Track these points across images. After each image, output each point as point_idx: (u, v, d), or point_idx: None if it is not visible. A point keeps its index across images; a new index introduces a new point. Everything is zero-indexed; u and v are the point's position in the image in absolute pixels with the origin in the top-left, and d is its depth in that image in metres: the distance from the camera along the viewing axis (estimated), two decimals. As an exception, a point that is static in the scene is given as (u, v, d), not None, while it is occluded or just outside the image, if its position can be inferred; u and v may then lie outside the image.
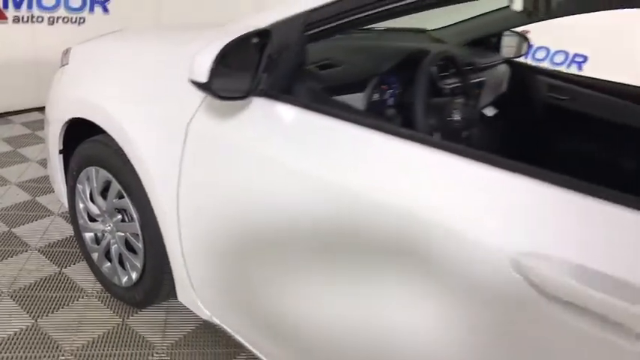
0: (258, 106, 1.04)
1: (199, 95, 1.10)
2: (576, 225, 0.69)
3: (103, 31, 1.75)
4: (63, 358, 1.39)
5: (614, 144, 1.77)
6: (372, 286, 0.89)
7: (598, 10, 1.68)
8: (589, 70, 4.32)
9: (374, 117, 1.07)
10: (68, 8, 2.99)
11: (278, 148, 1.00)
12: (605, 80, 1.97)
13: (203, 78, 0.89)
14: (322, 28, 1.01)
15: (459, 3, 1.04)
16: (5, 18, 2.78)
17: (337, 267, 0.95)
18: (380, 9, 0.96)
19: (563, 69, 4.43)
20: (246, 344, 1.25)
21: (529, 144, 1.86)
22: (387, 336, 0.88)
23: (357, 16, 0.98)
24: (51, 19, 2.96)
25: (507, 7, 1.99)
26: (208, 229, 1.20)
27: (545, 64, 4.50)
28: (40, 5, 2.88)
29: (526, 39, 2.22)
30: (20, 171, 2.40)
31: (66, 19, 3.01)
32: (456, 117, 1.28)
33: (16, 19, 2.83)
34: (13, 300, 1.57)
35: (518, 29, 2.19)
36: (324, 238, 0.95)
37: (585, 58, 4.34)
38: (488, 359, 0.76)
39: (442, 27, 2.14)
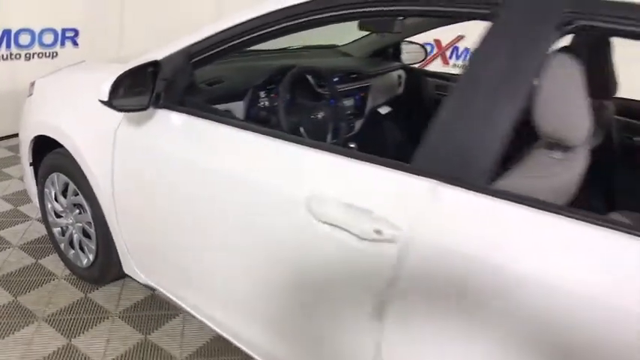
0: (161, 115, 1.45)
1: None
2: (336, 177, 1.09)
3: (73, 62, 2.15)
4: (36, 322, 1.78)
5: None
6: (244, 238, 1.29)
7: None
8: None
9: (237, 118, 1.47)
10: (42, 44, 3.42)
11: (174, 145, 1.40)
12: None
13: (105, 98, 1.30)
14: (202, 56, 1.42)
15: (298, 31, 1.44)
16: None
17: (223, 226, 1.34)
18: (241, 40, 1.36)
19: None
20: (173, 298, 1.63)
21: (414, 133, 2.26)
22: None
23: (224, 47, 1.39)
24: (27, 55, 3.38)
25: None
26: (135, 212, 1.59)
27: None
28: (17, 44, 3.29)
29: (423, 47, 2.64)
30: (4, 186, 2.79)
31: (41, 55, 3.43)
32: (320, 115, 1.68)
33: (-3, 58, 3.25)
34: (-3, 284, 1.96)
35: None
36: (212, 205, 1.34)
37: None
38: (285, 266, 1.16)
39: (350, 42, 2.56)
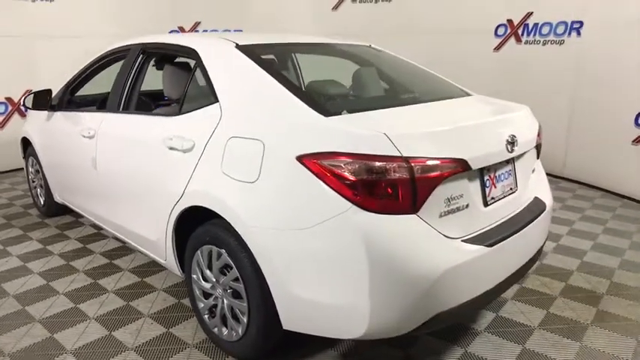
0: (56, 114, 3.23)
1: (46, 112, 3.29)
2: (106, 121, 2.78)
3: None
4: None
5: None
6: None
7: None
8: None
9: (90, 109, 3.24)
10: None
11: (61, 124, 3.16)
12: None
13: (25, 104, 3.12)
14: (71, 87, 3.21)
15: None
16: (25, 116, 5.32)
17: (81, 162, 3.02)
18: (85, 75, 3.14)
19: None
20: (71, 206, 3.31)
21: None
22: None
23: (78, 80, 3.17)
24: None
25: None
26: (51, 165, 3.36)
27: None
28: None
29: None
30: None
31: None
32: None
33: (31, 115, 5.35)
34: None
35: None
36: (76, 151, 3.04)
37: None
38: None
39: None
